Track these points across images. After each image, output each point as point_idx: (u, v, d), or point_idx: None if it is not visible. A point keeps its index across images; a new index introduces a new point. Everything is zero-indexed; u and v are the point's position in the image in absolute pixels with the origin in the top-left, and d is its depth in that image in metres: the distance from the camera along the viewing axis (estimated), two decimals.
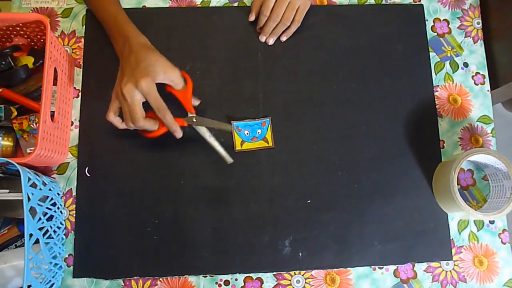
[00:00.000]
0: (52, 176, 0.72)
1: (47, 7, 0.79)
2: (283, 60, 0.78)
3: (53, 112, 0.67)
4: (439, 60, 0.80)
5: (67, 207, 0.71)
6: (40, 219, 0.60)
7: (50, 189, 0.65)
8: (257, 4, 0.77)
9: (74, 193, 0.72)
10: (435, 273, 0.72)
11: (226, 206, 0.72)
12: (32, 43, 0.74)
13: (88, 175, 0.72)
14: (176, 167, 0.73)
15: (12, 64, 0.69)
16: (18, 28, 0.70)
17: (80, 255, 0.70)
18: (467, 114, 0.78)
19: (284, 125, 0.75)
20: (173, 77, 0.65)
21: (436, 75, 0.79)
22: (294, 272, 0.71)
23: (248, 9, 0.79)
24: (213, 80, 0.76)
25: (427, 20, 0.81)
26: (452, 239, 0.73)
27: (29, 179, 0.58)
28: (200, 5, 0.80)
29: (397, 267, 0.72)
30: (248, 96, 0.76)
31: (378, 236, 0.72)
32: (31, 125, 0.69)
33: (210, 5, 0.80)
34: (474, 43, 0.81)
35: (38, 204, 0.60)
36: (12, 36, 0.72)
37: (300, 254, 0.71)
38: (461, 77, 0.79)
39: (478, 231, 0.74)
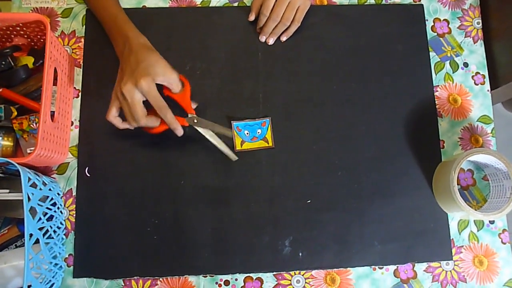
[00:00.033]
0: (52, 176, 0.72)
1: (47, 7, 0.79)
2: (283, 60, 0.78)
3: (53, 112, 0.67)
4: (439, 60, 0.80)
5: (67, 207, 0.71)
6: (40, 219, 0.60)
7: (50, 189, 0.65)
8: (257, 4, 0.77)
9: (74, 193, 0.72)
10: (435, 273, 0.72)
11: (226, 206, 0.72)
12: (32, 43, 0.74)
13: (88, 175, 0.72)
14: (176, 167, 0.73)
15: (12, 64, 0.69)
16: (18, 28, 0.70)
17: (80, 255, 0.70)
18: (467, 114, 0.78)
19: (284, 125, 0.75)
20: (172, 80, 0.65)
21: (436, 75, 0.79)
22: (294, 272, 0.71)
23: (248, 9, 0.79)
24: (213, 80, 0.76)
25: (427, 20, 0.81)
26: (452, 239, 0.73)
27: (29, 179, 0.58)
28: (200, 5, 0.80)
29: (397, 267, 0.72)
30: (248, 96, 0.76)
31: (378, 236, 0.72)
32: (31, 125, 0.69)
33: (210, 5, 0.80)
34: (474, 43, 0.81)
35: (38, 204, 0.60)
36: (12, 36, 0.72)
37: (300, 254, 0.71)
38: (461, 77, 0.79)
39: (478, 231, 0.74)
